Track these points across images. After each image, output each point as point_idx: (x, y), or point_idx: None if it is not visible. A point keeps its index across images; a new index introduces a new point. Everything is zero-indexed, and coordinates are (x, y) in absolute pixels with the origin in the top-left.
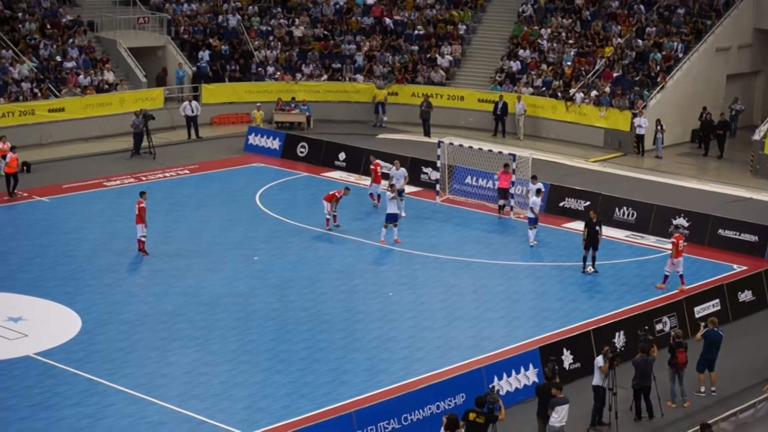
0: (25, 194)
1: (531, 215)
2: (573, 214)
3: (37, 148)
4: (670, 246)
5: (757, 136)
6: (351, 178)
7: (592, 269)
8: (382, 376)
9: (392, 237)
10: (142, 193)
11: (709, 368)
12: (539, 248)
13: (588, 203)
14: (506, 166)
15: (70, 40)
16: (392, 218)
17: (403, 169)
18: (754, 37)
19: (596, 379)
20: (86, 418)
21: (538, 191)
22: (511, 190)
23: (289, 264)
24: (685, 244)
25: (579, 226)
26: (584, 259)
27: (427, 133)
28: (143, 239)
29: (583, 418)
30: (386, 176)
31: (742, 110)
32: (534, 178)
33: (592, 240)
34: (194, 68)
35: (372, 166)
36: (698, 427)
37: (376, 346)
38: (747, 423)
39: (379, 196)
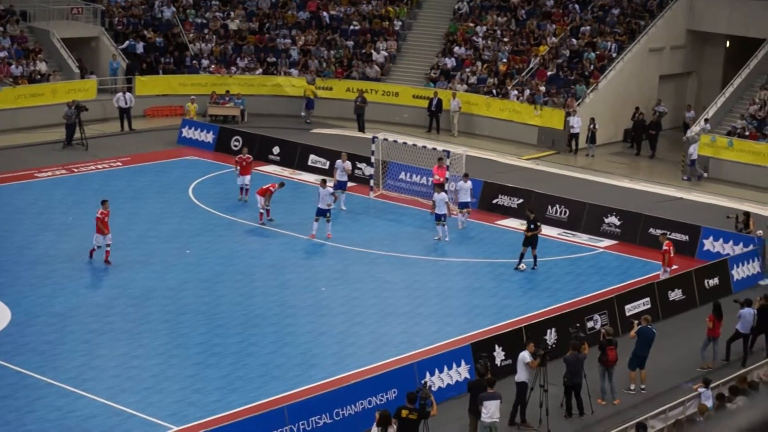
0: None
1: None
2: (506, 211)
3: None
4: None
5: (688, 135)
6: (285, 172)
7: (524, 267)
8: (313, 371)
9: (325, 231)
10: (103, 202)
11: (640, 366)
12: (472, 244)
13: (521, 200)
14: (440, 160)
15: (2, 30)
16: (322, 212)
17: (348, 162)
18: (687, 38)
19: (520, 375)
20: (15, 411)
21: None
22: (446, 186)
23: (221, 258)
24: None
25: (512, 223)
26: (521, 256)
27: (361, 129)
28: (107, 248)
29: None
30: (326, 172)
31: (665, 113)
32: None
33: (530, 238)
34: (127, 61)
35: (240, 158)
36: (631, 424)
37: (308, 341)
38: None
39: (242, 188)
